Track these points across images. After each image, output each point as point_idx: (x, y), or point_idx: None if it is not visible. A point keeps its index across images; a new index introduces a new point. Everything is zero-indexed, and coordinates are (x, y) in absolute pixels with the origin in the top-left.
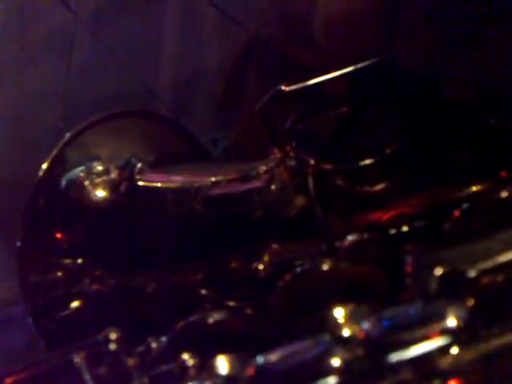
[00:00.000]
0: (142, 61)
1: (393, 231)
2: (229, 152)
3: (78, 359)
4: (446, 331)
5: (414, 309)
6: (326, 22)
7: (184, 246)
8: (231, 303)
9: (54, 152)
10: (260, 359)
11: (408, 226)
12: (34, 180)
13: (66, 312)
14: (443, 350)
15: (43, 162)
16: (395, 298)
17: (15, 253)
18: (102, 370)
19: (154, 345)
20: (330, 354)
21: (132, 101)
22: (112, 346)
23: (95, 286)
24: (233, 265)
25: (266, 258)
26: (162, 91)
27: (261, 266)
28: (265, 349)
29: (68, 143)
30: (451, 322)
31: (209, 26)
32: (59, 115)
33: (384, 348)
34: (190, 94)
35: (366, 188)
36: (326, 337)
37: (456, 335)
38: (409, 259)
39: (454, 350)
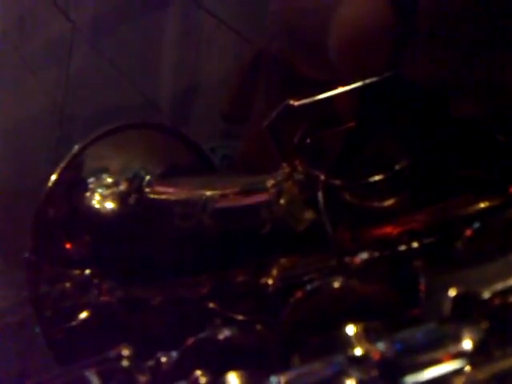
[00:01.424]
0: (141, 70)
1: (402, 248)
2: (235, 163)
3: (90, 375)
4: (461, 354)
5: (428, 331)
6: (338, 38)
7: (192, 259)
8: (239, 317)
9: (63, 163)
10: (273, 380)
11: (418, 242)
12: (34, 190)
13: (74, 323)
14: (458, 373)
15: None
16: (406, 317)
17: (12, 263)
18: None
19: (163, 359)
20: (344, 374)
21: (131, 111)
22: (124, 363)
23: (103, 298)
24: (241, 279)
25: (274, 273)
26: (161, 101)
27: (270, 281)
28: (276, 365)
29: (76, 155)
30: (467, 344)
31: (208, 35)
32: (57, 125)
33: (399, 369)
34: (188, 103)
35: (376, 203)
36: (339, 357)
37: (471, 357)
38: (422, 279)
39: (467, 370)
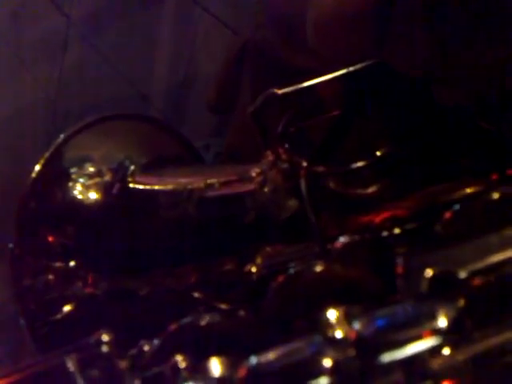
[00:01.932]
0: (135, 65)
1: (385, 233)
2: (223, 155)
3: (69, 362)
4: (436, 331)
5: (404, 309)
6: (316, 23)
7: (177, 249)
8: (224, 306)
9: (47, 154)
10: (252, 360)
11: (400, 228)
12: (25, 182)
13: (59, 315)
14: (434, 351)
15: (34, 165)
16: (387, 300)
17: (4, 255)
18: (94, 373)
19: (146, 347)
20: (321, 354)
21: (125, 105)
22: (104, 349)
23: (88, 290)
24: (226, 267)
25: (258, 261)
26: (155, 96)
27: (254, 269)
28: (258, 351)
29: (61, 145)
30: (442, 322)
31: (202, 30)
32: (51, 119)
33: (375, 348)
34: (182, 98)
35: (358, 190)
36: (318, 338)
37: (447, 336)
38: (400, 260)
39: (446, 351)
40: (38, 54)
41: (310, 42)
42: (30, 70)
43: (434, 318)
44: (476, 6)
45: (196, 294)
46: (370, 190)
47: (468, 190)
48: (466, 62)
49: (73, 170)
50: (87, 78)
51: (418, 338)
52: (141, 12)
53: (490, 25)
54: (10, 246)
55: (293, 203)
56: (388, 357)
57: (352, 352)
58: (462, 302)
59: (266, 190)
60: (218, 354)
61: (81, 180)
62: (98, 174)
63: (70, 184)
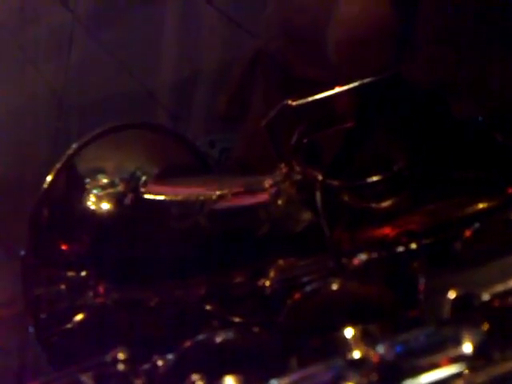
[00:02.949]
0: (141, 61)
1: (400, 249)
2: (232, 164)
3: (86, 380)
4: (461, 357)
5: (427, 333)
6: (337, 41)
7: (188, 260)
8: (237, 319)
9: (59, 164)
10: (273, 383)
11: (416, 243)
12: (32, 182)
13: (69, 325)
14: (458, 377)
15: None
16: (405, 318)
17: (12, 254)
18: None
19: (160, 363)
20: (343, 378)
21: (130, 102)
22: (120, 367)
23: (99, 300)
24: (238, 280)
25: (272, 274)
26: (161, 92)
27: (267, 283)
28: (273, 369)
29: (72, 156)
30: (467, 347)
31: (208, 26)
32: (56, 116)
33: (398, 373)
34: (188, 95)
35: (374, 204)
36: (338, 361)
37: (471, 361)
38: (422, 280)
39: (467, 374)
40: (44, 49)
41: (331, 59)
42: (36, 65)
43: (458, 343)
44: (494, 22)
45: (207, 307)
46: (385, 203)
47: (485, 205)
48: (483, 76)
49: (86, 180)
50: (93, 74)
51: (442, 363)
52: (146, 8)
53: (508, 40)
54: (22, 253)
55: (307, 216)
56: (412, 382)
57: (375, 376)
58: (486, 326)
59: (279, 202)
60: (233, 371)
61: (94, 191)
62: (111, 184)
63: (84, 194)
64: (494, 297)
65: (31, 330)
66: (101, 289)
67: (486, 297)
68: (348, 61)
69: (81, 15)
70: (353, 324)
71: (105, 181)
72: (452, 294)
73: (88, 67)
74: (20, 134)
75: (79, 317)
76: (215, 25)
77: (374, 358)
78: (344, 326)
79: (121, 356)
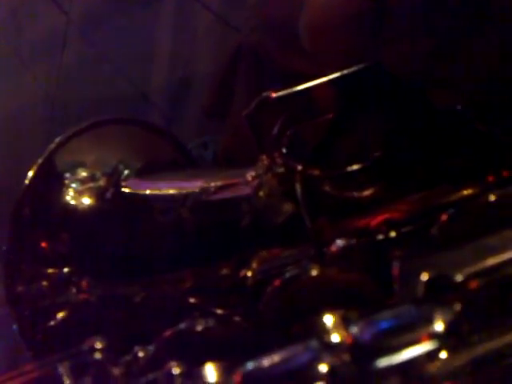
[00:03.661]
0: (135, 63)
1: (380, 236)
2: (218, 158)
3: (62, 369)
4: (433, 336)
5: (401, 313)
6: (309, 25)
7: (172, 254)
8: (220, 311)
9: (40, 160)
10: (247, 366)
11: (396, 231)
12: (19, 186)
13: (53, 322)
14: (431, 355)
15: (29, 168)
16: (383, 304)
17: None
18: (87, 380)
19: (141, 354)
20: (317, 360)
21: (124, 103)
22: (97, 356)
23: (82, 296)
24: (221, 272)
25: (254, 265)
26: (154, 94)
27: (249, 273)
28: (253, 356)
29: (54, 151)
30: (438, 326)
31: (202, 28)
32: (49, 117)
33: (371, 353)
34: (181, 97)
35: (354, 193)
36: (314, 343)
37: (444, 340)
38: (396, 264)
39: (443, 355)
40: (38, 52)
41: (303, 43)
42: (30, 68)
43: (430, 322)
44: (475, 8)
45: (191, 300)
46: (366, 193)
47: (464, 193)
48: (464, 64)
49: (66, 175)
50: (86, 76)
51: (415, 342)
52: (140, 10)
53: (489, 26)
54: (4, 248)
55: (288, 207)
56: (385, 362)
57: (348, 357)
58: (458, 306)
59: (261, 194)
60: (213, 359)
61: (74, 185)
62: (92, 179)
63: (64, 189)
64: (468, 278)
65: (15, 327)
66: (84, 285)
67: (459, 278)
68: (320, 46)
69: (75, 18)
70: (333, 310)
71: (86, 175)
72: (425, 276)
73: (81, 69)
74: (13, 136)
75: (63, 313)
76: (209, 27)
77: (348, 339)
78: (324, 311)
79: (98, 345)
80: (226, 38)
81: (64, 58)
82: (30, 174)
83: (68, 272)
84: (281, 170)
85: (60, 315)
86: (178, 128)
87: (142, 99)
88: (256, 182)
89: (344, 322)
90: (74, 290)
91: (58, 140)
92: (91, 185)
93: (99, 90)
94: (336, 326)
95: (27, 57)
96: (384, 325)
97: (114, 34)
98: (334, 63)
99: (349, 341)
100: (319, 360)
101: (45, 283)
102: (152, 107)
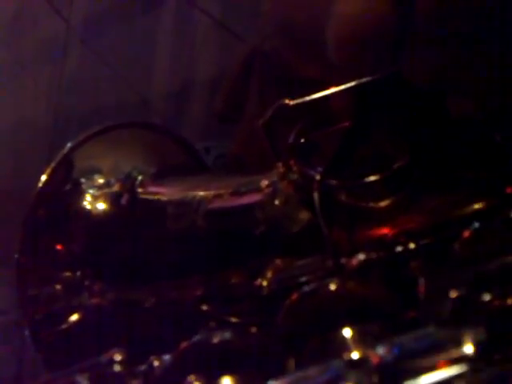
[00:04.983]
0: (135, 70)
1: (399, 249)
2: (227, 163)
3: (82, 381)
4: (462, 358)
5: (427, 334)
6: (337, 38)
7: (185, 260)
8: (234, 320)
9: (54, 164)
10: None
11: (415, 243)
12: (30, 191)
13: (65, 326)
14: (459, 378)
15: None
16: (404, 319)
17: (7, 263)
18: None
19: (156, 363)
20: (342, 379)
21: (125, 110)
22: (116, 368)
23: (94, 300)
24: (235, 280)
25: (269, 275)
26: (155, 100)
27: (264, 283)
28: (271, 369)
29: (67, 155)
30: (468, 348)
31: (202, 34)
32: (51, 125)
33: (398, 375)
34: (183, 102)
35: (372, 204)
36: (337, 362)
37: (472, 362)
38: (421, 281)
39: (468, 375)
40: (39, 58)
41: (330, 57)
42: (31, 75)
43: (459, 344)
44: (493, 21)
45: (204, 307)
46: (384, 203)
47: (483, 204)
48: (482, 75)
49: (81, 180)
50: (88, 83)
51: (443, 364)
52: (140, 15)
53: (507, 40)
54: (16, 256)
55: (304, 216)
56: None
57: (375, 378)
58: (485, 327)
59: (276, 202)
60: (230, 372)
61: (90, 191)
62: (107, 184)
63: (79, 194)
64: (494, 297)
65: (27, 331)
66: (96, 289)
67: (486, 297)
68: (348, 59)
69: (75, 24)
70: (351, 324)
71: (100, 181)
72: (453, 294)
73: (83, 76)
74: (15, 144)
75: (75, 317)
76: (210, 33)
77: (374, 359)
78: (342, 326)
79: (117, 357)
80: (226, 44)
81: (65, 65)
82: (43, 177)
83: (80, 276)
84: (296, 177)
85: (72, 319)
86: (179, 133)
87: (142, 105)
88: (270, 189)
89: (364, 338)
90: (86, 295)
91: (70, 144)
92: (106, 190)
93: (100, 96)
94: (356, 343)
95: (28, 63)
96: (411, 345)
97: (115, 41)
98: (358, 74)
99: (375, 360)
100: (344, 379)
101: (57, 287)
102: (153, 112)
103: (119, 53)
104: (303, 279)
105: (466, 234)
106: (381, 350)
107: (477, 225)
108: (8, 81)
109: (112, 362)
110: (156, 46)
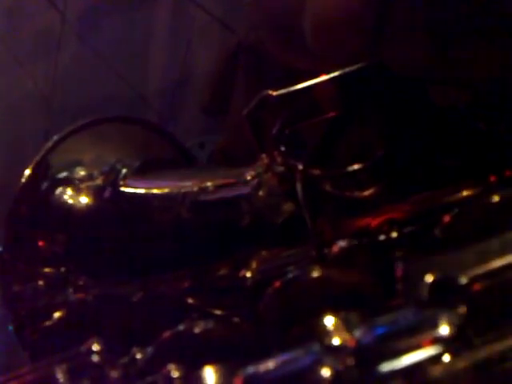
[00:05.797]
0: (130, 64)
1: (382, 237)
2: (215, 156)
3: (59, 371)
4: (438, 339)
5: (405, 317)
6: (313, 24)
7: (170, 254)
8: (218, 312)
9: (37, 158)
10: (248, 370)
11: (398, 231)
12: (17, 185)
13: (49, 322)
14: (436, 359)
15: (26, 167)
16: (386, 306)
17: None
18: (85, 382)
19: (138, 355)
20: (319, 363)
21: (120, 104)
22: (95, 358)
23: (79, 295)
24: (220, 272)
25: (254, 266)
26: (150, 95)
27: (249, 274)
28: (254, 359)
29: (51, 149)
30: (444, 329)
31: (198, 29)
32: (44, 117)
33: (375, 357)
34: (178, 97)
35: (355, 193)
36: (316, 346)
37: (449, 343)
38: (399, 265)
39: (446, 358)
40: (33, 51)
41: (307, 43)
42: (25, 68)
43: (435, 325)
44: (476, 7)
45: (190, 300)
46: (367, 192)
47: (466, 193)
48: (466, 62)
49: (64, 173)
50: (81, 76)
51: (420, 346)
52: (136, 10)
53: (490, 25)
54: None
55: (289, 207)
56: (388, 366)
57: (351, 361)
58: (463, 309)
59: (261, 193)
60: (212, 362)
61: (71, 184)
62: (89, 177)
63: (61, 188)
64: (473, 280)
65: (10, 328)
66: (81, 284)
67: (464, 280)
68: (324, 45)
69: (70, 17)
70: (334, 311)
71: (83, 173)
72: (429, 278)
73: (77, 69)
74: (8, 136)
75: (60, 313)
76: (205, 28)
77: (351, 343)
78: (325, 313)
79: (95, 347)
80: (223, 39)
81: (60, 58)
82: (27, 172)
83: (65, 271)
84: (281, 169)
85: (57, 315)
86: (175, 128)
87: (138, 99)
88: (255, 181)
89: (346, 325)
90: (70, 290)
91: (55, 138)
92: (89, 183)
93: (95, 89)
94: (338, 329)
95: (22, 56)
96: (388, 328)
97: (110, 34)
98: (337, 62)
99: (352, 344)
100: (322, 363)
101: (41, 283)
102: (148, 107)
103: (114, 47)
104: (287, 269)
105: (446, 218)
106: (358, 333)
107: (456, 210)
108: (2, 73)
109: (90, 351)
110: (152, 40)
